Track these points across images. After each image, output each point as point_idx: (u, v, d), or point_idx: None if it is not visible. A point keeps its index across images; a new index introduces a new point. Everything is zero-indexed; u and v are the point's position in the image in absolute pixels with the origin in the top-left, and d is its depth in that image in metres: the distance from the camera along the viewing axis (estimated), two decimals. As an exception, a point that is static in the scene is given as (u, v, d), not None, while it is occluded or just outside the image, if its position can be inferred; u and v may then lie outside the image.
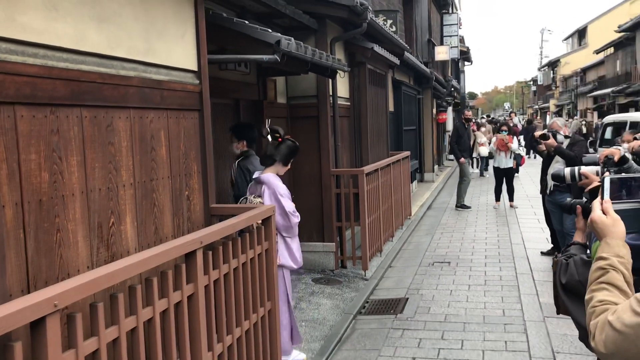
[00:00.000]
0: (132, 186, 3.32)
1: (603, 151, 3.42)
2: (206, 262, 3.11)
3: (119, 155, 3.21)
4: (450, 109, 24.89)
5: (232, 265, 3.43)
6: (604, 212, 1.73)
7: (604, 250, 1.68)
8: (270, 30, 4.78)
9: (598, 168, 2.90)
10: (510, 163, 12.14)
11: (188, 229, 3.84)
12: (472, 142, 14.22)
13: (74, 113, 2.87)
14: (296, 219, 4.44)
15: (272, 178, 4.43)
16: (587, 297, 1.64)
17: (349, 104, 8.47)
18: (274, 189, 4.35)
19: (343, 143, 8.07)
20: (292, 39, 4.87)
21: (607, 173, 2.04)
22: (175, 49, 3.76)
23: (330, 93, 7.34)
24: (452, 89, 24.45)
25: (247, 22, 4.88)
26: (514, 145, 12.23)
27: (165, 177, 3.64)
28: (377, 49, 8.37)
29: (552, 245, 7.86)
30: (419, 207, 12.55)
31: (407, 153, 11.06)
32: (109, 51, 3.12)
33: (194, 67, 3.99)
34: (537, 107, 69.44)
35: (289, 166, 4.57)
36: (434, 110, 20.58)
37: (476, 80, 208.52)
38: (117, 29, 3.19)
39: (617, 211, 1.71)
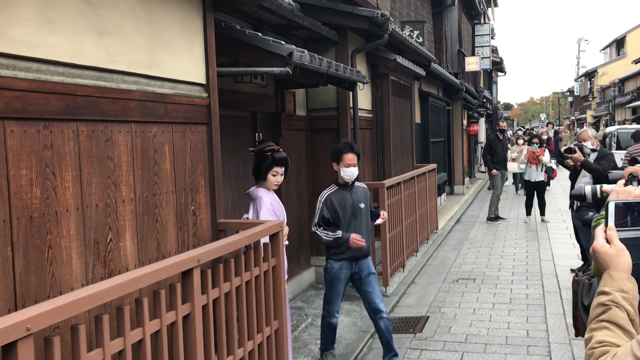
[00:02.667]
0: (132, 201, 3.25)
1: (627, 168, 3.22)
2: (204, 281, 3.02)
3: (119, 170, 3.14)
4: (482, 120, 24.51)
5: (234, 283, 3.32)
6: (607, 241, 1.54)
7: (606, 284, 1.49)
8: (283, 43, 4.70)
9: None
10: (541, 176, 11.81)
11: (194, 245, 3.75)
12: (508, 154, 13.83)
13: (70, 127, 2.82)
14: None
15: (256, 192, 4.30)
16: (586, 336, 1.46)
17: (371, 116, 8.33)
18: (257, 203, 4.25)
19: (365, 156, 7.93)
20: (305, 51, 4.78)
21: (612, 194, 1.84)
22: (181, 61, 3.70)
23: (351, 105, 7.22)
24: (484, 100, 24.08)
25: (260, 34, 4.81)
26: (546, 157, 11.90)
27: (169, 191, 3.57)
28: (401, 60, 8.23)
29: (582, 262, 7.56)
30: (447, 220, 12.28)
31: (434, 166, 10.84)
32: (109, 64, 3.07)
33: (202, 80, 3.92)
34: (573, 118, 68.02)
35: (274, 179, 4.27)
36: (465, 122, 20.26)
37: (511, 90, 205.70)
38: (118, 41, 3.14)
39: (622, 240, 1.53)
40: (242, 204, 5.73)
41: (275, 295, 3.84)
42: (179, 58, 3.67)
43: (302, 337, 5.56)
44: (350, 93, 7.11)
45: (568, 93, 76.61)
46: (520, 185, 17.70)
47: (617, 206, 1.57)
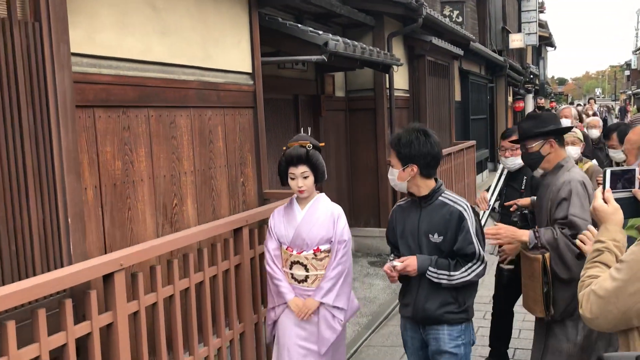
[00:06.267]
0: (192, 173, 3.90)
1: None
2: (252, 238, 3.65)
3: (181, 147, 3.79)
4: (530, 96, 24.39)
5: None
6: (605, 201, 1.94)
7: (602, 234, 1.91)
8: (321, 33, 5.25)
9: None
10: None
11: (244, 210, 4.39)
12: None
13: (142, 113, 3.48)
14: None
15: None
16: (581, 274, 1.90)
17: (408, 95, 8.79)
18: None
19: (402, 133, 8.41)
20: (340, 39, 5.31)
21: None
22: (231, 54, 4.31)
23: (387, 86, 7.70)
24: (531, 76, 23.93)
25: (300, 25, 5.37)
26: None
27: (222, 165, 4.21)
28: (436, 41, 8.63)
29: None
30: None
31: (472, 142, 11.20)
32: (171, 59, 3.71)
33: (249, 69, 4.53)
34: (630, 92, 65.72)
35: (294, 185, 3.17)
36: (510, 98, 20.31)
37: (566, 65, 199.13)
38: (178, 40, 3.77)
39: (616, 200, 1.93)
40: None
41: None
42: (228, 51, 4.28)
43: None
44: (386, 75, 7.59)
45: (625, 66, 73.94)
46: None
47: (612, 173, 2.03)
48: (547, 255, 2.89)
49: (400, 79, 8.36)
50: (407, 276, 2.84)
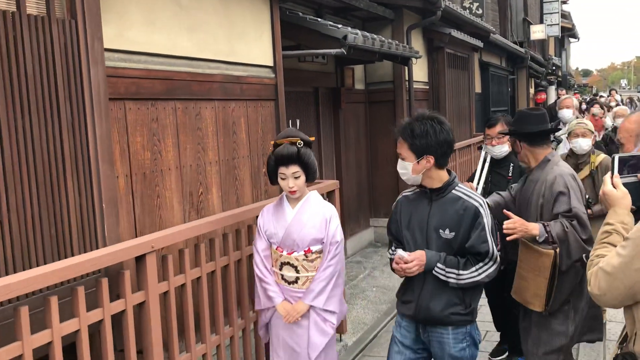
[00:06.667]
0: (217, 163, 4.07)
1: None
2: (274, 225, 3.80)
3: (206, 138, 3.96)
4: (552, 88, 24.17)
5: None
6: (614, 186, 2.04)
7: (611, 217, 2.02)
8: (340, 26, 5.38)
9: None
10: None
11: (266, 199, 4.55)
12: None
13: (169, 105, 3.65)
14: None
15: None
16: (590, 254, 2.00)
17: (427, 87, 8.88)
18: None
19: (421, 125, 8.50)
20: (359, 32, 5.44)
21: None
22: (253, 48, 4.46)
23: (406, 78, 7.80)
24: (553, 68, 23.72)
25: (320, 19, 5.50)
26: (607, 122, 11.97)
27: (245, 156, 4.37)
28: (455, 33, 8.69)
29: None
30: (507, 187, 12.63)
31: (492, 134, 11.22)
32: (197, 54, 3.87)
33: (270, 63, 4.68)
34: (656, 83, 64.49)
35: (285, 185, 2.96)
36: (532, 90, 20.19)
37: (590, 56, 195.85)
38: (204, 35, 3.93)
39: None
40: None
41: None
42: (250, 45, 4.43)
43: (360, 285, 6.31)
44: (405, 67, 7.68)
45: (652, 57, 72.51)
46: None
47: (620, 159, 2.14)
48: (558, 250, 2.88)
49: (419, 71, 8.45)
50: None
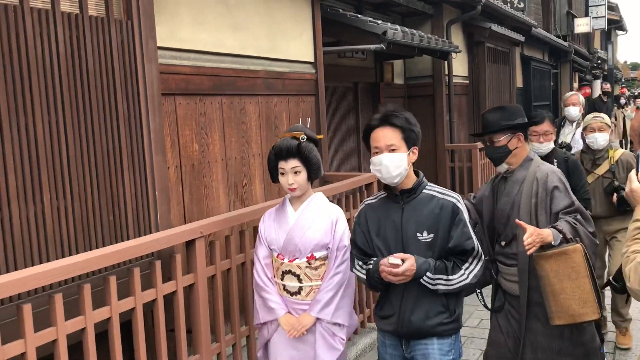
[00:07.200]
0: (260, 156, 4.25)
1: None
2: (314, 215, 3.96)
3: (249, 131, 4.15)
4: (598, 82, 23.63)
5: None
6: None
7: None
8: (379, 22, 5.49)
9: None
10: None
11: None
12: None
13: (216, 100, 3.84)
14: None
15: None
16: (623, 250, 2.02)
17: (467, 82, 8.89)
18: None
19: (460, 119, 8.55)
20: (399, 27, 5.54)
21: None
22: (294, 45, 4.63)
23: (446, 73, 7.85)
24: (599, 61, 23.20)
25: (360, 15, 5.63)
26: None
27: (286, 149, 4.54)
28: (496, 28, 8.68)
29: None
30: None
31: (533, 129, 11.13)
32: (241, 51, 4.06)
33: (311, 59, 4.84)
34: None
35: (284, 181, 2.75)
36: (576, 85, 19.82)
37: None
38: (248, 33, 4.11)
39: None
40: (343, 160, 6.66)
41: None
42: (292, 42, 4.59)
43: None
44: (445, 62, 7.74)
45: None
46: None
47: None
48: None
49: (459, 66, 8.48)
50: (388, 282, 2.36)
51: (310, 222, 2.72)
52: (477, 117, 9.05)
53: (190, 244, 2.91)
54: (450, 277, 2.36)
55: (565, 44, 16.14)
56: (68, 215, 2.73)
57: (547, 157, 3.91)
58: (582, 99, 5.66)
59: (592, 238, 2.69)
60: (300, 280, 2.73)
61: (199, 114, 3.69)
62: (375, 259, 2.43)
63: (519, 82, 12.53)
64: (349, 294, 2.77)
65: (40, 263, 2.51)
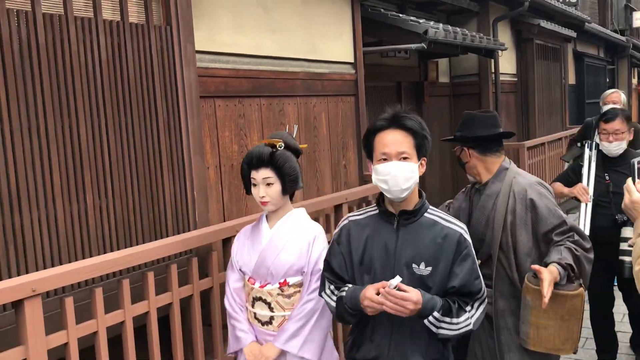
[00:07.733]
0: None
1: None
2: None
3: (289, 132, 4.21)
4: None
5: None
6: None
7: None
8: (421, 21, 5.47)
9: None
10: None
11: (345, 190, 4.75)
12: None
13: (255, 102, 3.93)
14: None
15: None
16: (632, 259, 1.91)
17: (515, 79, 8.72)
18: None
19: (508, 118, 8.39)
20: (441, 26, 5.50)
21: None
22: (333, 46, 4.67)
23: (492, 71, 7.73)
24: (660, 56, 22.24)
25: (401, 15, 5.62)
26: None
27: (325, 149, 4.59)
28: (545, 24, 8.48)
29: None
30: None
31: (586, 127, 10.81)
32: (280, 54, 4.12)
33: (351, 59, 4.87)
34: None
35: (255, 194, 2.40)
36: (635, 81, 19.10)
37: None
38: (286, 36, 4.18)
39: None
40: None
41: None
42: (331, 43, 4.64)
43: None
44: (491, 59, 7.61)
45: None
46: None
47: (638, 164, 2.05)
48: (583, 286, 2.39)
49: (506, 63, 8.33)
50: (368, 316, 1.97)
51: (285, 241, 2.39)
52: (526, 115, 8.87)
53: (226, 242, 2.99)
54: (455, 320, 1.98)
55: (623, 38, 15.58)
56: (109, 213, 2.86)
57: (619, 159, 3.64)
58: (623, 97, 5.21)
59: (590, 260, 2.48)
60: (271, 309, 2.40)
61: (238, 115, 3.78)
62: (350, 285, 2.05)
63: (572, 79, 12.19)
64: (322, 326, 2.40)
65: (83, 259, 2.64)
